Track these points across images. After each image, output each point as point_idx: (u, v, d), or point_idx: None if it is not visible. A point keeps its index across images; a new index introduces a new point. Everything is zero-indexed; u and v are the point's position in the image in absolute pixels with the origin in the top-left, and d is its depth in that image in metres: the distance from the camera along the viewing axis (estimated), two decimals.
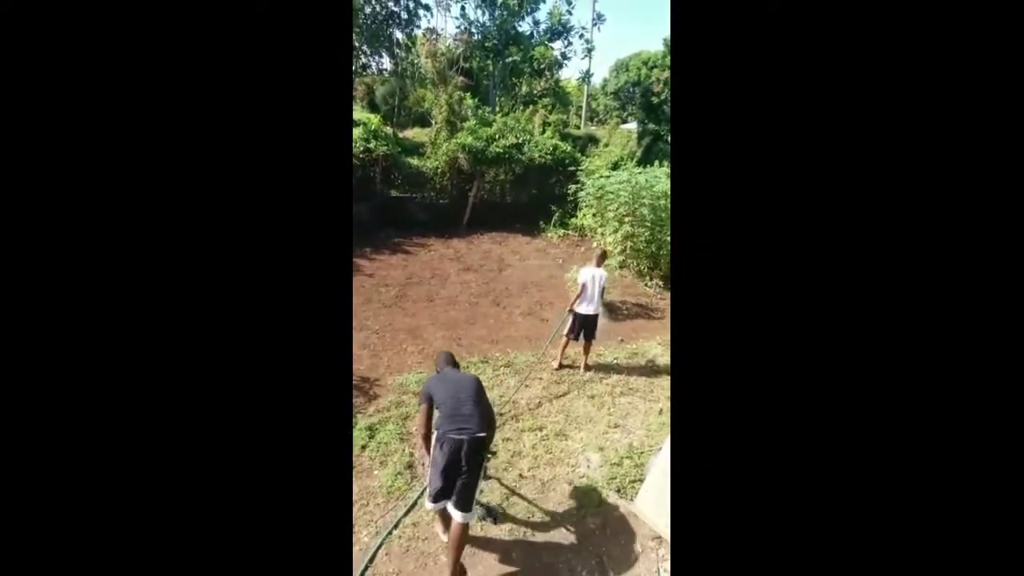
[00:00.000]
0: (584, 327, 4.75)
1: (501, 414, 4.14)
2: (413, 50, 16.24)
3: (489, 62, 18.62)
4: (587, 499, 3.27)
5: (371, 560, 2.68)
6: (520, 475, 3.45)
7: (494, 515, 2.99)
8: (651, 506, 3.13)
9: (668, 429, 3.51)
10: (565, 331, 4.82)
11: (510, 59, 18.47)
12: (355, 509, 3.05)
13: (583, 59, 33.29)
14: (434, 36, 14.62)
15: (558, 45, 20.48)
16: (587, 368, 4.94)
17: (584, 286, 4.64)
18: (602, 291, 4.76)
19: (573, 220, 9.80)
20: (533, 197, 10.50)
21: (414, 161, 9.61)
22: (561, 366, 4.93)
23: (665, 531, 3.06)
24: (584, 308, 4.69)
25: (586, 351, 4.93)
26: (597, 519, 3.14)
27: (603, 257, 4.82)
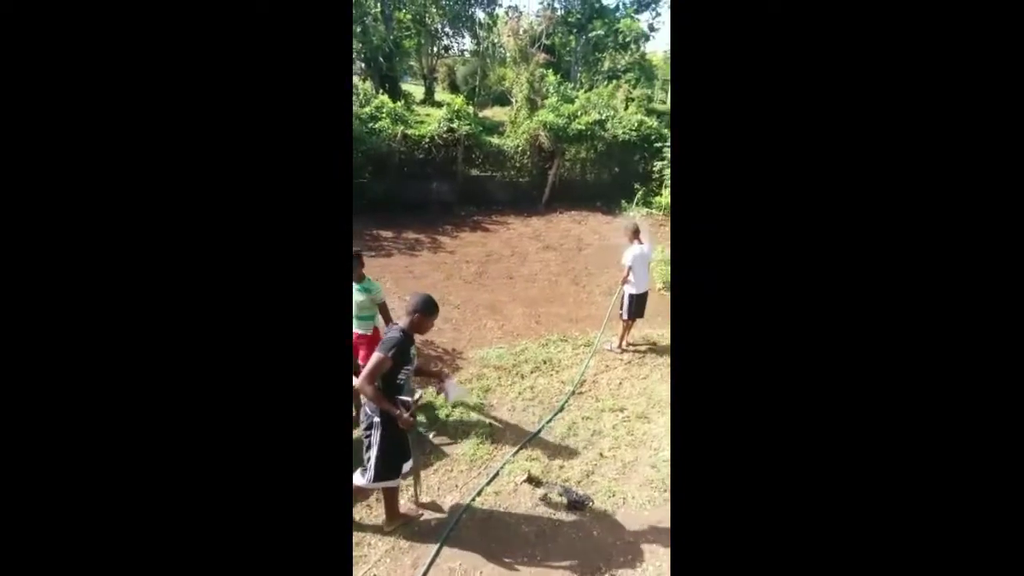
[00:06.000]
0: (639, 306, 4.64)
1: (581, 393, 4.10)
2: (495, 29, 16.18)
3: (572, 37, 18.16)
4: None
5: (456, 523, 2.77)
6: (600, 454, 3.40)
7: (584, 504, 2.97)
8: None
9: None
10: (625, 315, 4.66)
11: (593, 33, 17.88)
12: (440, 474, 3.16)
13: None
14: (516, 14, 14.47)
15: (645, 16, 19.54)
16: (624, 349, 4.79)
17: (630, 268, 4.45)
18: (648, 266, 4.65)
19: (657, 199, 9.40)
20: (615, 175, 10.17)
21: (494, 140, 9.62)
22: (623, 349, 4.79)
23: None
24: (635, 288, 4.54)
25: (628, 330, 4.79)
26: None
27: (637, 232, 4.53)
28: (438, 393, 2.68)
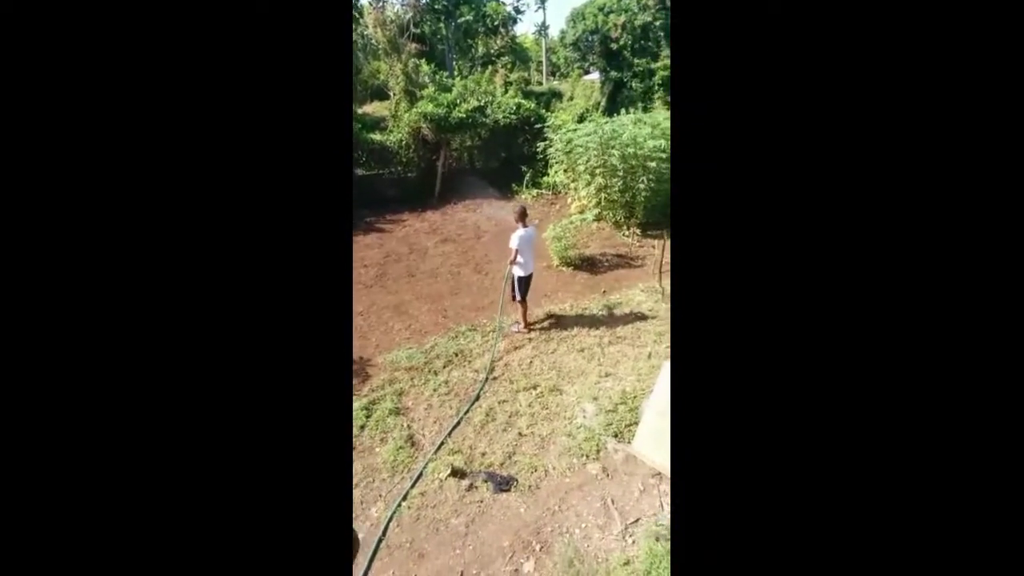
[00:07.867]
0: (527, 287, 4.82)
1: (495, 378, 4.19)
2: (361, 21, 15.52)
3: (441, 25, 17.95)
4: (587, 447, 3.36)
5: (384, 532, 2.74)
6: (519, 433, 3.51)
7: (509, 484, 3.06)
8: (648, 446, 3.23)
9: (658, 372, 3.57)
10: (518, 297, 4.82)
11: (462, 19, 17.81)
12: (361, 487, 3.10)
13: (537, 11, 32.23)
14: (380, 3, 13.96)
15: (510, 0, 19.79)
16: (531, 328, 4.98)
17: (517, 251, 4.57)
18: (533, 247, 4.81)
19: (545, 179, 9.69)
20: (502, 160, 10.32)
21: (376, 136, 9.33)
22: (529, 328, 4.96)
23: (664, 467, 3.17)
24: (523, 270, 4.69)
25: (526, 309, 4.97)
26: (598, 464, 3.23)
27: (523, 214, 4.68)
28: None
